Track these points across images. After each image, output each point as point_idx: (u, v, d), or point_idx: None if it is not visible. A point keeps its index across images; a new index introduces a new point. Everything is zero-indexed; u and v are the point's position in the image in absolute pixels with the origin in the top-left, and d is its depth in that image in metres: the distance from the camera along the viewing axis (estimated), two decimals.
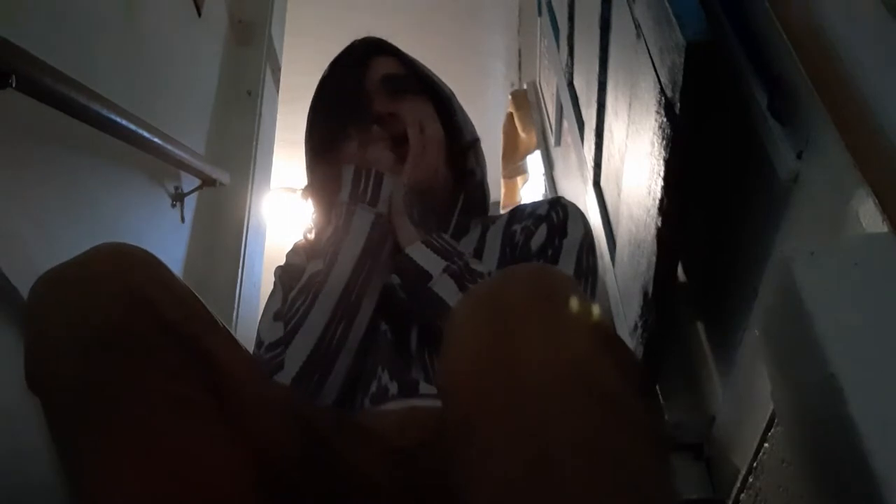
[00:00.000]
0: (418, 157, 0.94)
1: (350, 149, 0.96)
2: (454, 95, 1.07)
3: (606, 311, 1.38)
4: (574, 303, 0.54)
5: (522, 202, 3.18)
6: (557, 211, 0.95)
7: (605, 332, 0.54)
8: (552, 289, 0.55)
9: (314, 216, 1.03)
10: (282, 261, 1.03)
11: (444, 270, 0.84)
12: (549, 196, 2.65)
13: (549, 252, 0.90)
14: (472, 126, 1.07)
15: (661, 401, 1.29)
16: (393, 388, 0.81)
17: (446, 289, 0.82)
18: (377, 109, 0.98)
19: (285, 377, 0.80)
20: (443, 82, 1.07)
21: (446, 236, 0.90)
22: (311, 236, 1.02)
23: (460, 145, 1.02)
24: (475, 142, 1.05)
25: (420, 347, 0.85)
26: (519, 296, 0.53)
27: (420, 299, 0.84)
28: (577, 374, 0.49)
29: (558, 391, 0.48)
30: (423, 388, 0.81)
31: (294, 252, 1.03)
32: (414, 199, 0.92)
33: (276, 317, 0.87)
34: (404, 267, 0.86)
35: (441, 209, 0.99)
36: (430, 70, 1.07)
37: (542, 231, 0.92)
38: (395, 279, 0.87)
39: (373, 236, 0.88)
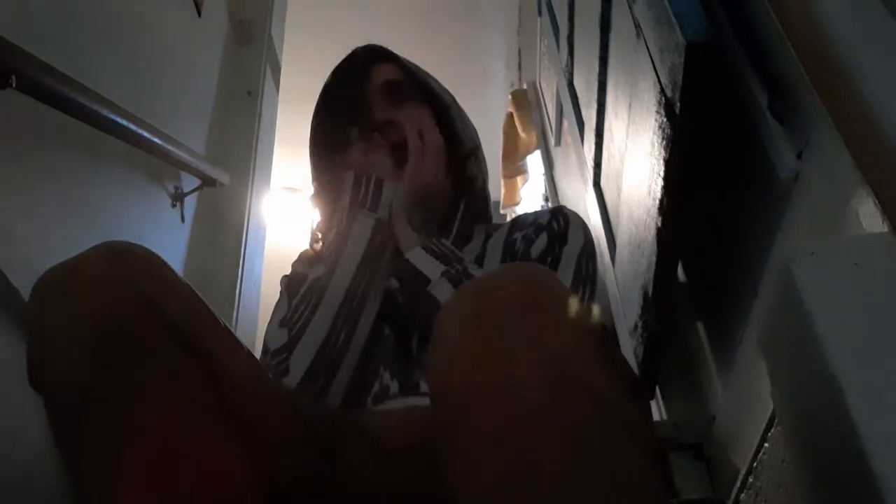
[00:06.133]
0: (418, 163, 0.95)
1: (352, 156, 0.97)
2: (455, 102, 1.08)
3: (606, 310, 1.38)
4: (561, 302, 0.54)
5: (523, 202, 3.18)
6: (559, 220, 0.96)
7: (593, 331, 0.54)
8: (540, 287, 0.55)
9: (320, 223, 1.04)
10: (282, 262, 1.04)
11: (443, 274, 0.84)
12: (549, 196, 2.64)
13: (549, 259, 0.91)
14: (473, 132, 1.08)
15: (661, 401, 1.29)
16: (394, 386, 0.82)
17: (444, 292, 0.82)
18: (377, 117, 0.99)
19: (291, 382, 0.81)
20: (444, 88, 1.08)
21: (446, 241, 0.91)
22: (318, 246, 1.03)
23: (460, 153, 1.03)
24: (475, 149, 1.06)
25: (421, 351, 0.86)
26: (506, 294, 0.53)
27: (418, 303, 0.84)
28: (563, 373, 0.49)
29: (544, 390, 0.48)
30: (424, 387, 0.81)
31: (299, 261, 1.04)
32: (414, 204, 0.93)
33: (282, 323, 0.88)
34: (403, 271, 0.87)
35: (442, 217, 1.00)
36: (430, 76, 1.08)
37: (543, 239, 0.93)
38: (395, 283, 0.87)
39: (373, 241, 0.89)
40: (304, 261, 1.03)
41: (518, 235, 0.96)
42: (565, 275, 0.89)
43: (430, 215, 0.96)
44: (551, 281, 0.57)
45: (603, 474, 0.46)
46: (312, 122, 1.07)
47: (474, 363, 0.50)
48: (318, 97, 1.08)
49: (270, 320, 0.94)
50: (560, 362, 0.49)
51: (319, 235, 1.03)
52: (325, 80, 1.07)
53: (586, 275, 0.91)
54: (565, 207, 1.00)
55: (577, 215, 0.98)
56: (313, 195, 1.06)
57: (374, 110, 1.00)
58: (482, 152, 1.08)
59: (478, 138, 1.08)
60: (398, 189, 0.93)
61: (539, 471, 0.45)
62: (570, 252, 0.92)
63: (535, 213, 1.02)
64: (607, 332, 0.59)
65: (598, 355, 0.51)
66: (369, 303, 0.86)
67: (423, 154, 0.96)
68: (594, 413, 0.48)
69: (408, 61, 1.07)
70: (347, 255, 0.87)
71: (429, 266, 0.85)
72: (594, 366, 0.50)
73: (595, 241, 0.98)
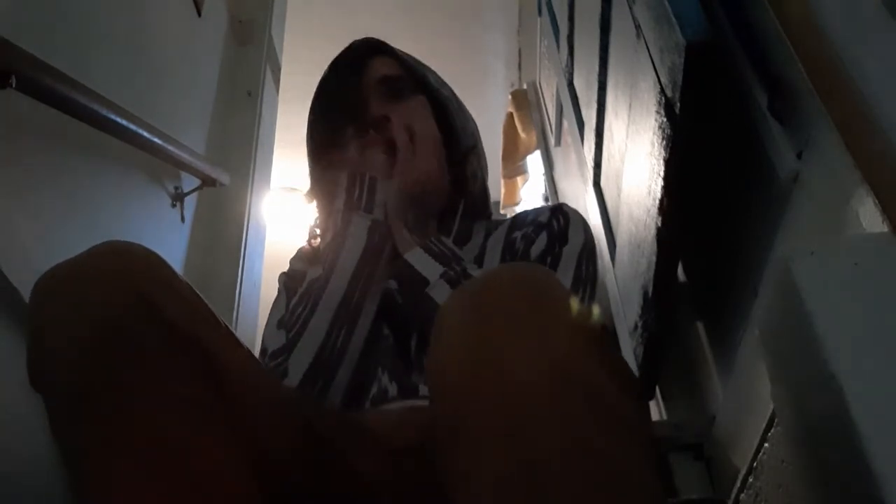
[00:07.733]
0: (407, 162, 0.93)
1: (348, 154, 0.96)
2: (454, 96, 1.06)
3: (606, 311, 1.38)
4: (561, 302, 0.53)
5: (523, 202, 3.18)
6: (559, 218, 0.95)
7: (593, 331, 0.54)
8: (539, 288, 0.54)
9: (318, 221, 1.03)
10: (282, 261, 1.03)
11: (442, 276, 0.83)
12: (549, 196, 2.64)
13: (549, 259, 0.90)
14: (473, 127, 1.06)
15: (662, 401, 1.29)
16: (392, 389, 0.81)
17: (443, 294, 0.82)
18: (373, 113, 0.98)
19: (290, 384, 0.80)
20: (443, 82, 1.06)
21: (446, 240, 0.90)
22: (316, 242, 1.02)
23: (459, 149, 1.01)
24: (475, 145, 1.04)
25: (419, 352, 0.85)
26: (505, 294, 0.53)
27: (417, 304, 0.84)
28: (563, 372, 0.49)
29: (544, 390, 0.48)
30: (423, 390, 0.80)
31: (298, 258, 1.03)
32: (408, 202, 0.92)
33: (280, 324, 0.88)
34: (402, 272, 0.86)
35: (441, 214, 0.98)
36: (429, 70, 1.06)
37: (543, 238, 0.92)
38: (393, 284, 0.87)
39: (371, 242, 0.88)
40: (303, 258, 1.02)
41: (518, 234, 0.95)
42: (565, 274, 0.88)
43: (427, 213, 0.94)
44: (550, 280, 0.57)
45: (602, 474, 0.46)
46: (309, 117, 1.06)
47: (473, 363, 0.50)
48: (314, 92, 1.06)
49: (268, 319, 0.94)
50: (559, 362, 0.49)
51: (318, 232, 1.02)
52: (323, 73, 1.06)
53: (586, 275, 0.90)
54: (566, 205, 0.99)
55: (577, 213, 0.97)
56: (309, 192, 1.04)
57: (370, 106, 0.99)
58: (482, 147, 1.06)
59: (478, 133, 1.06)
60: (390, 187, 0.92)
61: (538, 471, 0.45)
62: (571, 251, 0.91)
63: (536, 210, 1.00)
64: (607, 333, 0.59)
65: (598, 355, 0.51)
66: (367, 304, 0.85)
67: (413, 152, 0.94)
68: (593, 413, 0.48)
69: (406, 55, 1.05)
70: (344, 258, 0.87)
71: (428, 267, 0.85)
72: (593, 366, 0.50)
73: (595, 240, 0.98)
